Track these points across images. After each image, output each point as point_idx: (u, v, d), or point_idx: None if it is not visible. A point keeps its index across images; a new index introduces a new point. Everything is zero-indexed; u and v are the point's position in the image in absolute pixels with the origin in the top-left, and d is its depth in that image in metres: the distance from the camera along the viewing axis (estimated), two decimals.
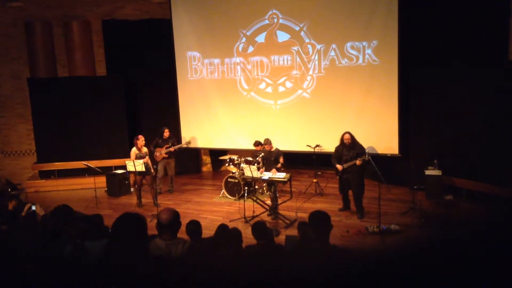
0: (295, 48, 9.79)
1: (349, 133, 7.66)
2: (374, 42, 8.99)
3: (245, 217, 7.64)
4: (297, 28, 9.69)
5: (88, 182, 10.02)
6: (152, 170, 8.68)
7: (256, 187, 9.10)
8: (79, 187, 10.35)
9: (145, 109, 11.36)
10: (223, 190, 9.27)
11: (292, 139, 9.98)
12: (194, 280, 1.04)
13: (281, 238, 6.40)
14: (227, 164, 9.90)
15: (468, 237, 0.91)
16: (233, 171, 9.32)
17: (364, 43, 9.10)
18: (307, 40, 9.65)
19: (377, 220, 6.85)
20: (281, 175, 7.61)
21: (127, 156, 8.89)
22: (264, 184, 9.06)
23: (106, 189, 9.91)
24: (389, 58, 8.83)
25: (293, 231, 6.37)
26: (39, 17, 11.14)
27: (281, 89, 10.13)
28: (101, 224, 4.29)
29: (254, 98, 10.44)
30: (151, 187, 8.84)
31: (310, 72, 9.76)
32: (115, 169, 10.18)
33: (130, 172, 8.78)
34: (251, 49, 10.26)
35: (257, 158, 8.67)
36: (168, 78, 11.02)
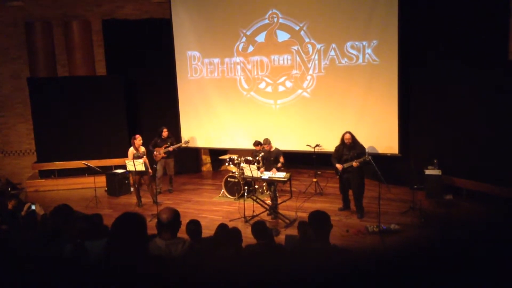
0: (295, 47, 9.79)
1: (349, 133, 7.65)
2: (374, 41, 8.99)
3: (245, 217, 7.64)
4: (297, 28, 9.69)
5: (88, 181, 10.02)
6: (150, 170, 8.67)
7: (256, 186, 9.10)
8: (79, 187, 10.35)
9: (145, 109, 11.36)
10: (223, 190, 9.27)
11: (292, 138, 9.98)
12: (194, 279, 1.04)
13: (281, 238, 6.39)
14: (227, 164, 9.91)
15: (468, 237, 0.91)
16: (233, 170, 9.32)
17: (364, 43, 9.10)
18: (307, 40, 9.65)
19: (377, 219, 6.85)
20: (281, 175, 7.61)
21: (127, 155, 8.89)
22: (264, 184, 9.06)
23: (106, 188, 9.91)
24: (389, 57, 8.83)
25: (293, 231, 6.37)
26: (39, 16, 11.14)
27: (281, 88, 10.13)
28: (101, 223, 4.29)
29: (254, 98, 10.44)
30: (149, 187, 8.84)
31: (310, 72, 9.76)
32: (115, 169, 10.18)
33: (130, 171, 8.78)
34: (251, 48, 10.26)
35: (257, 158, 8.67)
36: (168, 78, 11.02)
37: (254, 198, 7.89)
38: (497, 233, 0.90)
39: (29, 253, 3.44)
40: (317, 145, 9.28)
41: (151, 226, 3.55)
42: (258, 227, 4.34)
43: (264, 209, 7.83)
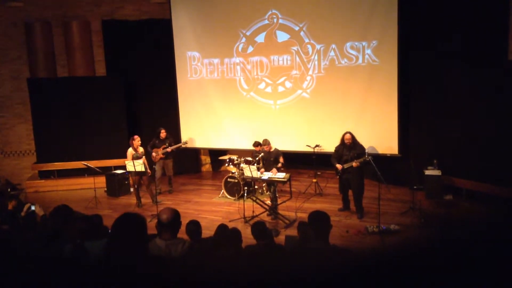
0: (295, 48, 9.79)
1: (350, 133, 7.64)
2: (373, 42, 8.99)
3: (244, 217, 7.64)
4: (297, 28, 9.69)
5: (87, 182, 10.03)
6: (149, 170, 8.67)
7: (256, 187, 9.10)
8: (79, 187, 10.35)
9: (145, 109, 11.36)
10: (223, 190, 9.27)
11: (291, 139, 9.98)
12: (194, 280, 1.04)
13: (280, 238, 6.40)
14: (226, 164, 9.91)
15: (468, 237, 0.91)
16: (233, 171, 9.32)
17: (363, 43, 9.10)
18: (306, 40, 9.65)
19: (377, 220, 6.85)
20: (281, 175, 7.61)
21: (126, 156, 8.88)
22: (264, 184, 9.06)
23: (105, 189, 9.91)
24: (389, 58, 8.83)
25: (293, 231, 6.37)
26: (38, 17, 11.14)
27: (280, 89, 10.13)
28: (100, 224, 4.29)
29: (253, 98, 10.44)
30: (149, 188, 8.84)
31: (310, 72, 9.76)
32: (115, 169, 10.18)
33: (129, 172, 8.78)
34: (250, 49, 10.26)
35: (257, 158, 8.67)
36: (167, 78, 11.02)
37: (254, 198, 7.89)
38: (497, 233, 0.90)
39: (29, 253, 3.44)
40: (316, 146, 9.28)
41: (151, 226, 3.55)
42: (258, 228, 4.34)
43: (264, 210, 7.83)
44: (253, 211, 7.76)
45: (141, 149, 8.87)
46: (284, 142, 9.59)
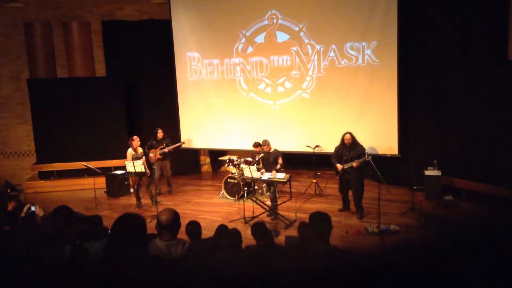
0: (295, 48, 9.80)
1: (350, 133, 7.63)
2: (373, 42, 8.99)
3: (244, 218, 7.64)
4: (297, 29, 9.70)
5: (87, 182, 10.03)
6: (148, 171, 8.66)
7: (256, 187, 9.10)
8: (79, 188, 10.35)
9: (145, 110, 11.36)
10: (223, 191, 9.27)
11: (291, 139, 9.98)
12: (194, 281, 1.04)
13: (280, 239, 6.39)
14: (226, 165, 9.90)
15: (468, 237, 0.91)
16: (233, 171, 9.31)
17: (363, 44, 9.11)
18: (306, 41, 9.66)
19: (377, 220, 6.85)
20: (281, 176, 7.60)
21: (126, 156, 8.87)
22: (264, 185, 9.06)
23: (105, 189, 9.90)
24: (389, 58, 8.84)
25: (293, 232, 6.37)
26: (38, 18, 11.14)
27: (280, 89, 10.13)
28: (100, 224, 4.30)
29: (253, 99, 10.44)
30: (148, 188, 8.84)
31: (310, 73, 9.76)
32: (115, 170, 10.18)
33: (129, 173, 8.78)
34: (250, 49, 10.27)
35: (257, 159, 8.67)
36: (167, 79, 11.02)
37: (254, 199, 7.88)
38: (497, 234, 0.90)
39: (29, 254, 3.44)
40: (316, 146, 9.28)
41: (151, 227, 3.55)
42: (258, 228, 4.34)
43: (264, 210, 7.83)
44: (253, 212, 7.76)
45: (140, 150, 8.87)
46: (284, 143, 9.60)
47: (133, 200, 9.06)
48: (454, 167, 8.38)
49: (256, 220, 7.31)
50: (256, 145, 8.81)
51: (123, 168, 9.16)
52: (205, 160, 12.06)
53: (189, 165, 11.72)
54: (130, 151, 8.75)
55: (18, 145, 11.69)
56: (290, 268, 1.01)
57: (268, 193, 8.47)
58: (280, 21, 9.84)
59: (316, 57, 9.63)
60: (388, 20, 8.73)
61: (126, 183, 9.86)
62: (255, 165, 8.32)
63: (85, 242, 3.67)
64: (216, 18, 10.45)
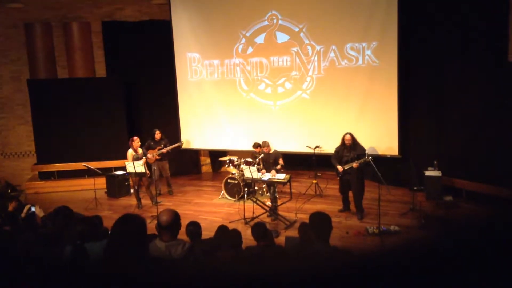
0: (295, 49, 9.80)
1: (350, 134, 7.63)
2: (373, 43, 8.99)
3: (245, 218, 7.64)
4: (297, 29, 9.70)
5: (87, 183, 10.03)
6: (148, 171, 8.66)
7: (256, 188, 9.10)
8: (79, 189, 10.35)
9: (145, 111, 11.37)
10: (223, 191, 9.26)
11: (291, 140, 9.98)
12: (194, 281, 1.04)
13: (281, 239, 6.39)
14: (226, 165, 9.90)
15: (468, 238, 0.91)
16: (233, 172, 9.31)
17: (363, 44, 9.11)
18: (306, 41, 9.66)
19: (377, 221, 6.84)
20: (281, 176, 7.60)
21: (126, 157, 8.87)
22: (264, 185, 9.06)
23: (105, 190, 9.91)
24: (389, 59, 8.84)
25: (293, 232, 6.37)
26: (39, 18, 11.15)
27: (280, 90, 10.14)
28: (100, 225, 4.29)
29: (253, 99, 10.44)
30: (148, 189, 8.84)
31: (310, 73, 9.77)
32: (115, 170, 10.18)
33: (129, 173, 8.78)
34: (250, 50, 10.27)
35: (257, 160, 8.67)
36: (168, 79, 11.03)
37: (254, 199, 7.88)
38: (497, 234, 0.90)
39: (29, 254, 3.44)
40: (317, 147, 9.28)
41: (151, 227, 3.55)
42: (258, 229, 4.34)
43: (264, 211, 7.83)
44: (253, 212, 7.75)
45: (140, 150, 8.87)
46: (284, 143, 9.60)
47: (133, 201, 9.06)
48: (454, 168, 8.38)
49: (256, 220, 7.30)
50: (256, 145, 8.81)
51: (123, 168, 9.16)
52: (205, 160, 12.06)
53: (189, 165, 11.72)
54: (130, 152, 8.75)
55: (19, 145, 11.69)
56: (290, 268, 1.01)
57: (268, 194, 8.47)
58: (280, 22, 9.85)
59: (316, 58, 9.63)
60: (388, 21, 8.73)
61: (126, 183, 9.86)
62: (255, 165, 8.32)
63: (85, 242, 3.67)
64: (216, 19, 10.46)
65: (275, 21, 9.89)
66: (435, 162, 8.41)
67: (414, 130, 9.04)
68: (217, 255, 3.84)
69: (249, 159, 9.12)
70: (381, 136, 9.10)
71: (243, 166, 8.34)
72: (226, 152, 11.10)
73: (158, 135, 9.50)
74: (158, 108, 11.22)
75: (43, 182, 10.77)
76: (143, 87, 11.26)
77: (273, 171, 7.72)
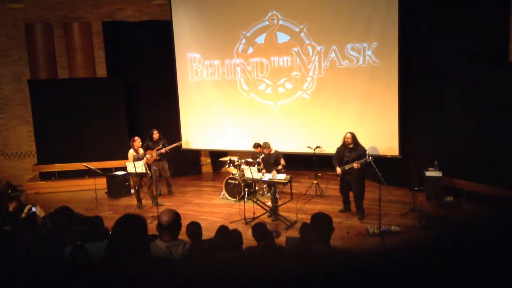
0: (295, 49, 9.80)
1: (351, 133, 7.61)
2: (374, 43, 8.99)
3: (245, 219, 7.64)
4: (297, 30, 9.70)
5: (88, 183, 10.02)
6: (149, 172, 8.66)
7: (257, 188, 9.10)
8: (80, 189, 10.35)
9: (146, 111, 11.37)
10: (224, 192, 9.26)
11: (292, 140, 9.98)
12: (194, 282, 1.04)
13: (281, 240, 6.39)
14: (227, 166, 9.90)
15: (469, 238, 0.91)
16: (234, 172, 9.31)
17: (364, 45, 9.10)
18: (307, 42, 9.66)
19: (378, 221, 6.84)
20: (281, 177, 7.60)
21: (127, 157, 8.88)
22: (265, 186, 9.06)
23: (106, 190, 9.91)
24: (390, 59, 8.84)
25: (294, 233, 6.37)
26: (39, 18, 11.16)
27: (281, 90, 10.13)
28: (101, 225, 4.29)
29: (254, 99, 10.44)
30: (149, 189, 8.83)
31: (310, 73, 9.76)
32: (115, 171, 10.18)
33: (130, 173, 8.78)
34: (250, 50, 10.27)
35: (257, 160, 8.67)
36: (168, 80, 11.04)
37: (255, 200, 7.88)
38: (498, 235, 0.90)
39: (30, 254, 3.44)
40: (317, 147, 9.27)
41: (152, 228, 3.55)
42: (259, 229, 4.34)
43: (264, 211, 7.83)
44: (253, 213, 7.75)
45: (141, 151, 8.87)
46: (284, 144, 9.60)
47: (133, 201, 9.06)
48: (455, 168, 8.38)
49: (257, 221, 7.30)
50: (256, 146, 8.81)
51: (124, 169, 9.16)
52: (206, 161, 12.06)
53: (189, 166, 11.72)
54: (131, 152, 8.75)
55: (19, 146, 11.70)
56: (291, 269, 1.01)
57: (269, 194, 8.46)
58: (280, 22, 9.85)
59: (316, 58, 9.63)
60: (389, 21, 8.73)
61: (127, 184, 9.87)
62: (256, 166, 8.32)
63: (86, 243, 3.67)
64: (216, 19, 10.46)
65: (275, 21, 9.90)
66: (435, 163, 8.40)
67: (415, 130, 9.03)
68: (218, 255, 3.84)
69: (250, 160, 9.12)
70: (381, 136, 9.10)
71: (243, 167, 8.34)
72: (227, 152, 11.10)
73: (156, 135, 9.49)
74: (158, 109, 11.22)
75: (44, 182, 10.78)
76: (143, 88, 11.26)
77: (274, 172, 7.72)
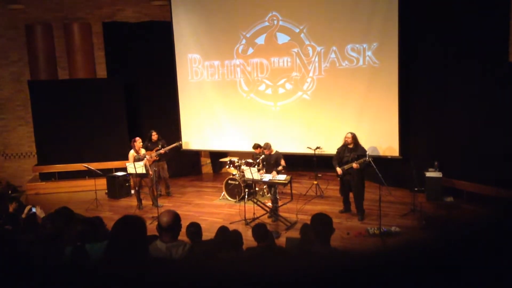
0: (295, 50, 9.80)
1: (351, 133, 7.61)
2: (374, 44, 8.99)
3: (245, 219, 7.63)
4: (297, 30, 9.70)
5: (88, 184, 10.02)
6: (150, 172, 8.66)
7: (257, 189, 9.09)
8: (80, 189, 10.35)
9: (146, 111, 11.37)
10: (224, 192, 9.26)
11: (292, 141, 9.98)
12: (194, 282, 1.04)
13: (281, 240, 6.38)
14: (227, 166, 9.90)
15: (469, 238, 0.91)
16: (234, 173, 9.31)
17: (364, 45, 9.11)
18: (307, 42, 9.66)
19: (378, 222, 6.84)
20: (282, 177, 7.60)
21: (127, 158, 8.88)
22: (265, 186, 9.05)
23: (106, 191, 9.91)
24: (389, 60, 8.84)
25: (294, 233, 6.37)
26: (39, 19, 11.16)
27: (281, 90, 10.13)
28: (101, 226, 4.29)
29: (254, 100, 10.44)
30: (150, 190, 8.83)
31: (310, 74, 9.76)
32: (116, 171, 10.18)
33: (130, 174, 8.77)
34: (251, 50, 10.28)
35: (258, 160, 8.67)
36: (168, 80, 11.04)
37: (255, 200, 7.88)
38: (498, 235, 0.90)
39: (30, 255, 3.43)
40: (317, 148, 9.27)
41: (152, 228, 3.55)
42: (259, 230, 4.34)
43: (264, 212, 7.82)
44: (254, 213, 7.75)
45: (142, 151, 8.87)
46: (284, 144, 9.59)
47: (134, 202, 9.06)
48: (455, 169, 8.37)
49: (257, 221, 7.30)
50: (256, 146, 8.80)
51: (124, 169, 9.16)
52: (206, 161, 12.06)
53: (189, 166, 11.72)
54: (132, 153, 8.75)
55: (19, 146, 11.70)
56: (291, 269, 1.01)
57: (269, 195, 8.46)
58: (280, 23, 9.85)
59: (316, 59, 9.63)
60: (389, 22, 8.73)
61: (127, 184, 9.87)
62: (256, 166, 8.32)
63: (86, 243, 3.67)
64: (216, 20, 10.46)
65: (275, 22, 9.90)
66: (435, 163, 8.40)
67: (415, 131, 9.03)
68: (218, 256, 3.84)
69: (250, 160, 9.11)
70: (381, 137, 9.10)
71: (244, 167, 8.34)
72: (227, 153, 11.09)
73: (155, 136, 9.49)
74: (158, 109, 11.22)
75: (44, 183, 10.78)
76: (143, 88, 11.26)
77: (274, 172, 7.72)
